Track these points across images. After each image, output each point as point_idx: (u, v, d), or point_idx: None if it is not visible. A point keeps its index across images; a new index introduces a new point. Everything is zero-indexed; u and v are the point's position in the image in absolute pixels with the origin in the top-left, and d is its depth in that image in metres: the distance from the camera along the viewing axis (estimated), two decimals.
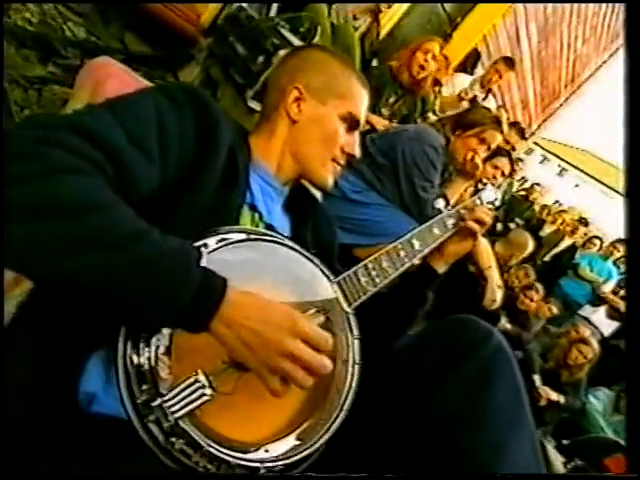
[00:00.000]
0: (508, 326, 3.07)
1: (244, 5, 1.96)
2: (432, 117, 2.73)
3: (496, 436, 0.75)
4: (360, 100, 0.95)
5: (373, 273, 0.89)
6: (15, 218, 0.53)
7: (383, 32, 2.77)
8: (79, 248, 0.55)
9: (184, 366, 0.64)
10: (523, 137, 2.98)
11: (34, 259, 0.55)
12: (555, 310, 3.82)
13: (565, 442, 2.93)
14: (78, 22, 1.98)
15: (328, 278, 0.83)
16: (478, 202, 1.15)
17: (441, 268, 1.05)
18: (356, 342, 0.82)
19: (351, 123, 0.93)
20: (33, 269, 0.56)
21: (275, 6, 2.14)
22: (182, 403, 0.61)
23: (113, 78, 0.80)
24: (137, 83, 0.86)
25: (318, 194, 1.10)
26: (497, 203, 1.22)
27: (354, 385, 0.79)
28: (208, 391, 0.62)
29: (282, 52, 1.80)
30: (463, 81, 3.41)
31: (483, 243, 2.20)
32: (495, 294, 2.04)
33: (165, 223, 0.64)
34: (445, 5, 3.26)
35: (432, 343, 0.86)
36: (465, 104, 3.11)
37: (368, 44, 2.63)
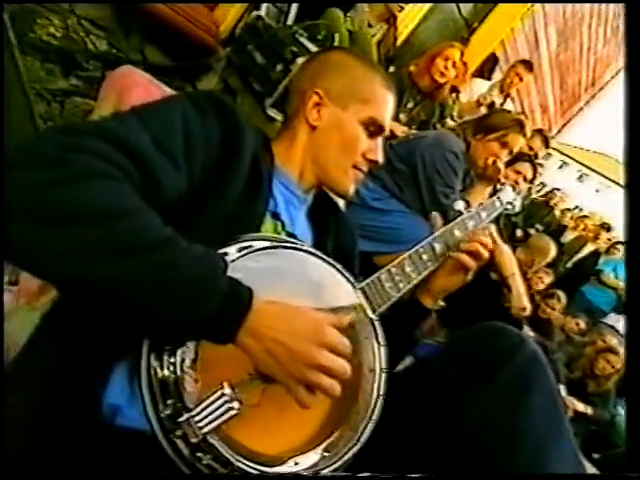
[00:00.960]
0: (531, 334, 3.00)
1: (262, 14, 1.98)
2: (451, 123, 2.71)
3: (536, 446, 0.72)
4: (384, 104, 0.92)
5: (397, 278, 0.87)
6: (45, 224, 0.53)
7: (400, 39, 2.76)
8: (108, 254, 0.54)
9: (209, 378, 0.63)
10: (547, 146, 2.92)
11: (62, 265, 0.54)
12: (582, 325, 3.71)
13: (595, 456, 2.82)
14: (100, 35, 2.02)
15: (352, 285, 0.81)
16: (497, 203, 1.12)
17: (430, 304, 0.97)
18: (382, 350, 0.80)
19: (374, 128, 0.91)
20: (60, 275, 0.56)
21: (292, 14, 2.15)
22: (210, 418, 0.60)
23: (137, 86, 0.80)
24: (161, 91, 0.86)
25: (340, 202, 1.09)
26: (517, 204, 1.18)
27: (381, 394, 0.77)
28: (235, 404, 0.61)
29: (300, 60, 1.80)
30: (481, 86, 3.38)
31: (505, 250, 2.16)
32: (522, 302, 1.99)
33: (188, 230, 0.63)
34: (462, 10, 3.24)
35: (462, 352, 0.83)
36: (483, 109, 3.08)
37: (384, 51, 2.63)
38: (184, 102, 0.71)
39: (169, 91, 0.88)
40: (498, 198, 1.12)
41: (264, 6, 2.04)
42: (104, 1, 1.86)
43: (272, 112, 1.82)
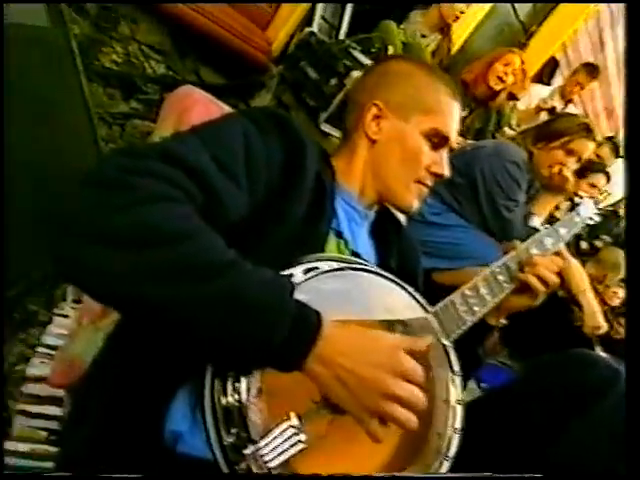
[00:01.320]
0: (604, 356, 2.77)
1: (314, 30, 1.98)
2: (509, 131, 2.59)
3: None
4: (449, 114, 0.88)
5: (471, 301, 0.81)
6: (107, 248, 0.52)
7: (453, 48, 2.69)
8: (170, 278, 0.52)
9: (273, 405, 0.59)
10: (617, 155, 2.72)
11: (123, 289, 0.53)
12: None
13: None
14: (158, 59, 2.09)
15: (424, 308, 0.76)
16: (577, 218, 1.04)
17: (494, 321, 0.90)
18: (457, 379, 0.74)
19: (438, 140, 0.86)
20: (121, 300, 0.54)
21: (344, 29, 2.15)
22: (277, 451, 0.56)
23: (197, 106, 0.80)
24: (221, 110, 0.86)
25: (402, 217, 1.04)
26: (596, 219, 1.10)
27: (457, 428, 0.71)
28: (303, 437, 0.57)
29: (354, 73, 1.78)
30: (540, 92, 3.22)
31: (575, 265, 2.01)
32: (597, 320, 1.85)
33: (251, 251, 0.61)
34: (519, 13, 3.12)
35: (549, 384, 0.75)
36: (543, 115, 2.93)
37: (438, 60, 2.56)
38: (244, 120, 0.70)
39: (229, 109, 0.87)
40: (577, 213, 1.03)
41: (316, 22, 2.05)
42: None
43: (326, 127, 1.80)
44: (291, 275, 0.65)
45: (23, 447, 1.07)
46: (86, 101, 1.62)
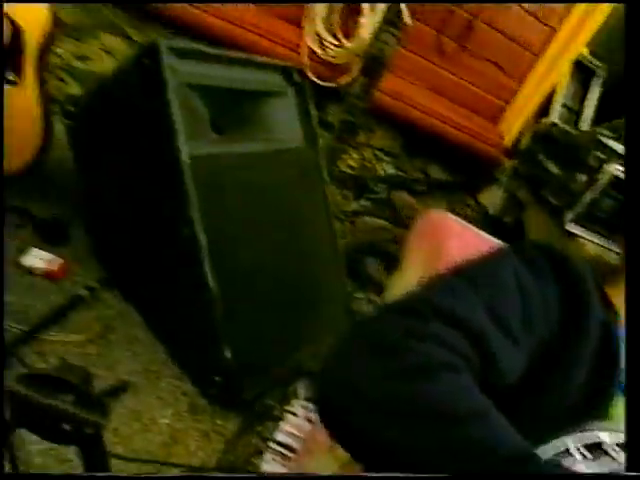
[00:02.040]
0: None
1: (556, 121, 1.83)
2: None
3: None
4: None
5: None
6: (381, 417, 0.47)
7: None
8: (455, 462, 0.45)
9: None
10: None
11: (389, 460, 0.47)
12: None
13: None
14: (388, 161, 2.22)
15: None
16: None
17: None
18: None
19: None
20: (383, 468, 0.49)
21: (589, 118, 1.92)
22: None
23: (453, 237, 0.75)
24: (477, 239, 0.80)
25: None
26: None
27: None
28: None
29: (608, 167, 1.54)
30: None
31: None
32: None
33: (520, 417, 0.50)
34: None
35: None
36: None
37: None
38: (514, 258, 0.61)
39: (486, 237, 0.80)
40: None
41: (556, 110, 1.89)
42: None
43: (573, 228, 1.56)
44: (567, 450, 0.52)
45: None
46: (327, 205, 1.79)
